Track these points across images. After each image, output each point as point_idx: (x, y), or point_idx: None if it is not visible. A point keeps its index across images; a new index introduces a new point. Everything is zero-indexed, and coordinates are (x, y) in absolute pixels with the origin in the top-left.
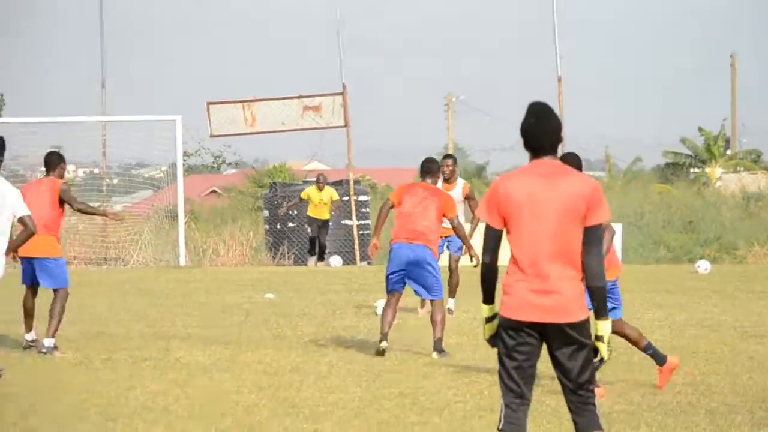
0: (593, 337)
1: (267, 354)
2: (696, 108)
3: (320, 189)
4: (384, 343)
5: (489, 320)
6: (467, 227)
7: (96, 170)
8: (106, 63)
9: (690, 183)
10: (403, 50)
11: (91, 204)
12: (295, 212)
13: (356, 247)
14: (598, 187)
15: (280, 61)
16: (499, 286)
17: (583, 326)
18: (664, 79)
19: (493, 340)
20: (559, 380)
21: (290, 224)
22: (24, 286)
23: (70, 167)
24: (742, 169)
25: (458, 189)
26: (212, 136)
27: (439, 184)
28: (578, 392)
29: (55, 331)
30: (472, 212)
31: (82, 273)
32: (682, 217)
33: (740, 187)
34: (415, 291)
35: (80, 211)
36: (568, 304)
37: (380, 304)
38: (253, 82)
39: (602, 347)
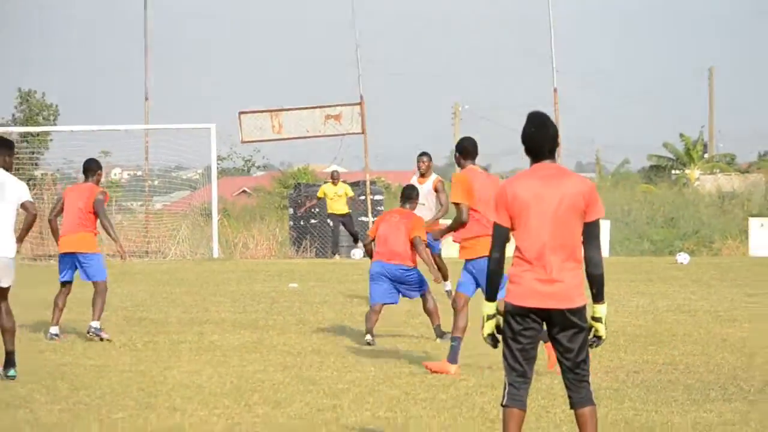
0: (591, 319)
1: (291, 337)
2: (677, 116)
3: (335, 184)
4: (368, 337)
5: (491, 317)
6: (428, 216)
7: (139, 172)
8: (149, 77)
9: (671, 183)
10: (415, 65)
11: (134, 203)
12: (317, 210)
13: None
14: (594, 187)
15: (304, 73)
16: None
17: (582, 311)
18: (648, 90)
19: (492, 338)
20: (559, 360)
21: (312, 221)
22: (60, 282)
23: (116, 170)
24: (718, 171)
25: (429, 183)
26: (243, 142)
27: (415, 178)
28: (575, 371)
29: (100, 314)
30: (440, 203)
31: (126, 265)
32: (664, 214)
33: (716, 187)
34: (403, 295)
35: (102, 225)
36: (570, 291)
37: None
38: (279, 92)
39: (600, 327)
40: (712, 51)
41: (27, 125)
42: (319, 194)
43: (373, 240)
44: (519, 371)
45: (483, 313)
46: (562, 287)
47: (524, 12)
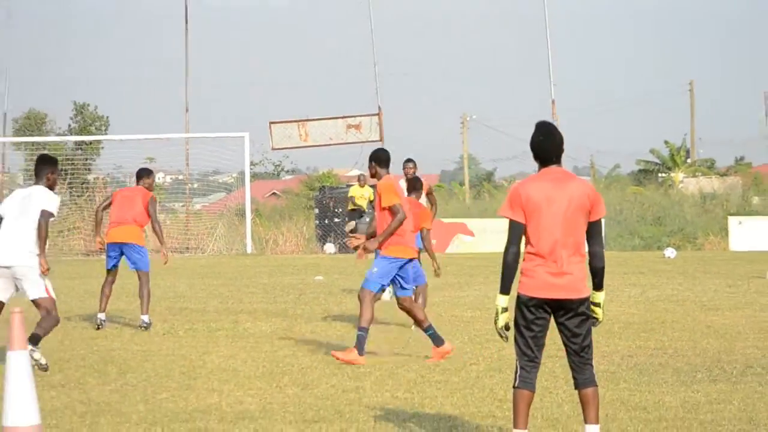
0: (592, 304)
1: (317, 325)
2: (662, 124)
3: (361, 186)
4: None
5: (506, 310)
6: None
7: (180, 177)
8: (189, 92)
9: (658, 185)
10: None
11: (176, 204)
12: (340, 209)
13: None
14: (595, 189)
15: (328, 87)
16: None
17: (587, 301)
18: (636, 100)
19: (505, 330)
20: (566, 344)
21: (336, 219)
22: (106, 272)
23: (159, 174)
24: (699, 174)
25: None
26: (273, 149)
27: (402, 182)
28: (581, 354)
29: (148, 308)
30: (431, 204)
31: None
32: (653, 213)
33: (698, 188)
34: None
35: (152, 225)
36: (578, 283)
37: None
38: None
39: (599, 311)
40: (693, 65)
41: (81, 135)
42: (350, 193)
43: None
44: (530, 356)
45: (497, 306)
46: (571, 279)
47: (524, 32)
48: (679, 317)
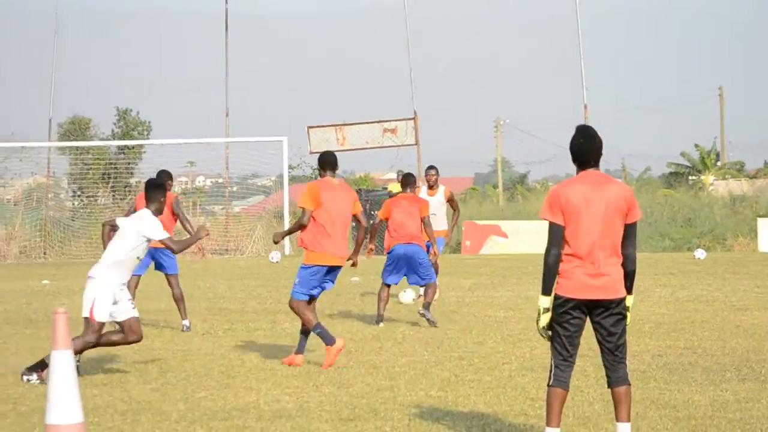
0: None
1: (353, 325)
2: (693, 127)
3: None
4: (381, 324)
5: (547, 310)
6: (439, 224)
7: (220, 180)
8: (229, 97)
9: (689, 188)
10: (463, 82)
11: (216, 207)
12: (376, 212)
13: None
14: (633, 193)
15: (365, 91)
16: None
17: (623, 301)
18: (668, 105)
19: (546, 330)
20: (600, 343)
21: (371, 222)
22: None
23: (200, 178)
24: (729, 177)
25: (440, 194)
26: (311, 152)
27: (424, 190)
28: (615, 352)
29: (186, 310)
30: (453, 210)
31: (208, 261)
32: (683, 215)
33: (728, 191)
34: (410, 282)
35: (183, 225)
36: (615, 284)
37: (403, 295)
38: (343, 109)
39: (627, 315)
40: (724, 70)
41: (124, 139)
42: (390, 189)
43: (383, 221)
44: (565, 356)
45: (539, 306)
46: (609, 280)
47: (556, 37)
48: (708, 317)
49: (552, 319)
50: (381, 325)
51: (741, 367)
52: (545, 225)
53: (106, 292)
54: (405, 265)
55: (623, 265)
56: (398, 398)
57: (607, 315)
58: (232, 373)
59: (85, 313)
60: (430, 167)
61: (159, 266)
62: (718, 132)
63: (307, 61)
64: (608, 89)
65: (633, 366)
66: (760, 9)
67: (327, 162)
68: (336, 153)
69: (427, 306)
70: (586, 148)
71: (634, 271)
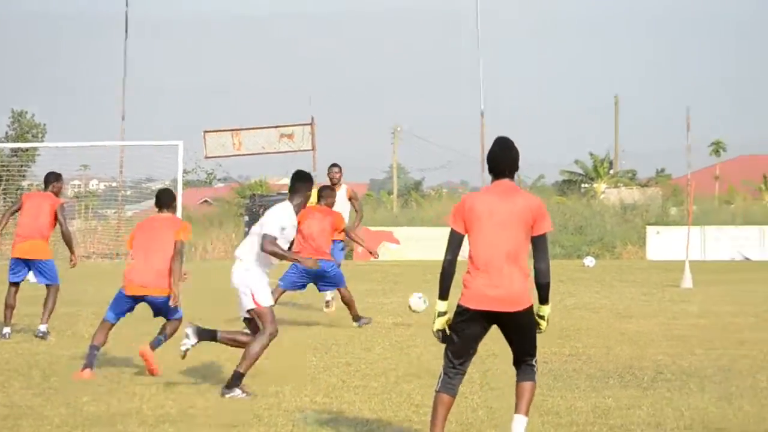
0: (537, 316)
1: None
2: (587, 136)
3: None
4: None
5: (443, 314)
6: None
7: (114, 184)
8: (126, 100)
9: (581, 196)
10: (360, 89)
11: (108, 211)
12: None
13: None
14: (542, 204)
15: (261, 95)
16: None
17: (526, 312)
18: (563, 113)
19: (441, 333)
20: (513, 349)
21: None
22: (10, 284)
23: (93, 181)
24: (621, 185)
25: (343, 192)
26: (206, 157)
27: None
28: (522, 356)
29: (48, 318)
30: (356, 210)
31: (97, 266)
32: (574, 222)
33: (619, 199)
34: (320, 289)
35: (62, 233)
36: (515, 296)
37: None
38: (241, 114)
39: (543, 323)
40: (619, 80)
41: (18, 142)
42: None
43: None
44: (455, 363)
45: (435, 309)
46: (507, 292)
47: (455, 45)
48: (594, 324)
49: (450, 326)
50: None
51: (624, 374)
52: (438, 232)
53: (262, 278)
54: (310, 279)
55: (535, 278)
56: (283, 404)
57: (509, 325)
58: (117, 379)
59: (250, 306)
60: (334, 165)
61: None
62: (612, 140)
63: (208, 65)
64: (505, 97)
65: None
66: (658, 18)
67: (158, 199)
68: (234, 157)
69: (356, 317)
70: (501, 159)
71: (547, 284)
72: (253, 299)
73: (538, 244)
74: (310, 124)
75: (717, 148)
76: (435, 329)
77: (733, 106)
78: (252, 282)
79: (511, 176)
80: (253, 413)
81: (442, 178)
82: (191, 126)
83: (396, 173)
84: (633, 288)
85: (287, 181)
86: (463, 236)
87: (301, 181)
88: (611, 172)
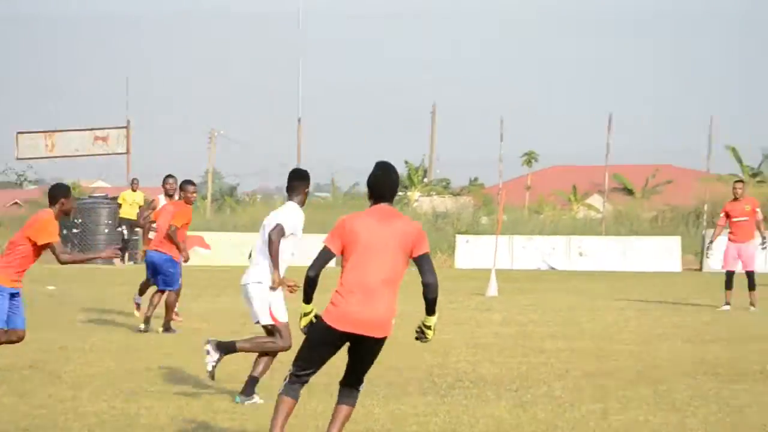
0: (424, 326)
1: (42, 334)
2: (403, 143)
3: (134, 190)
4: (142, 326)
5: (307, 314)
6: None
7: None
8: None
9: (394, 203)
10: (179, 94)
11: None
12: (80, 220)
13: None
14: (420, 228)
15: (75, 98)
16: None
17: (383, 340)
18: (380, 120)
19: (307, 329)
20: (351, 369)
21: (74, 230)
22: None
23: None
24: (434, 193)
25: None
26: (18, 158)
27: (161, 197)
28: (358, 377)
29: None
30: None
31: None
32: None
33: (432, 207)
34: (156, 283)
35: None
36: (382, 322)
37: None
38: (54, 113)
39: (430, 333)
40: (437, 88)
41: None
42: (119, 199)
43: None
44: (301, 373)
45: (300, 311)
46: (377, 317)
47: (276, 49)
48: (398, 333)
49: (309, 334)
50: (142, 326)
51: (423, 382)
52: (249, 237)
53: (277, 292)
54: (154, 272)
55: (423, 294)
56: (79, 409)
57: (363, 349)
58: None
59: (267, 321)
60: (169, 176)
61: None
62: (428, 148)
63: (26, 66)
64: (323, 102)
65: (318, 380)
66: (475, 22)
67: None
68: (47, 159)
69: (167, 325)
70: (382, 183)
71: (434, 299)
72: (271, 315)
73: (423, 263)
74: (126, 127)
75: (529, 158)
76: (301, 326)
77: (547, 117)
78: (269, 296)
79: (390, 200)
80: (49, 418)
81: (256, 183)
82: (2, 128)
83: (211, 177)
84: (441, 296)
85: (101, 183)
86: (333, 256)
87: (298, 179)
88: (425, 180)
